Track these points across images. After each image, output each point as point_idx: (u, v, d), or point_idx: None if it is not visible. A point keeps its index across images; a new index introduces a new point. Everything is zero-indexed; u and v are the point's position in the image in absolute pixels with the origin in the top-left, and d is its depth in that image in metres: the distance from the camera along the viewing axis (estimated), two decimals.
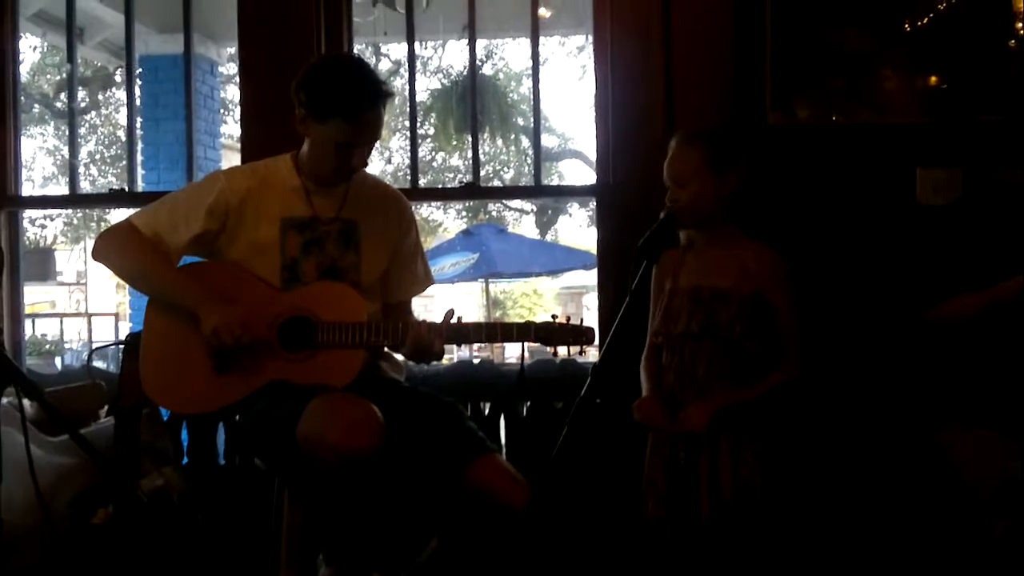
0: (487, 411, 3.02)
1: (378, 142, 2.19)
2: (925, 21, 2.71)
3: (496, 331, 2.12)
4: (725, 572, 2.12)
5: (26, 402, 1.77)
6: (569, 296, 17.07)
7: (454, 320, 2.09)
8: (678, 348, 2.19)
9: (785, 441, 2.18)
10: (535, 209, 15.89)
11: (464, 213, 15.58)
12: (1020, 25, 2.68)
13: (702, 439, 2.10)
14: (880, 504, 2.60)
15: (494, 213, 15.47)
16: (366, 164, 2.18)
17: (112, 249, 2.20)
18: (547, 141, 15.37)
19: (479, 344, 2.68)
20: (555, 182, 15.01)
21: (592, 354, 2.51)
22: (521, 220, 16.54)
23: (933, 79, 2.71)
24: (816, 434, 2.62)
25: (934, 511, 2.37)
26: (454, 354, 7.24)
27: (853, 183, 2.68)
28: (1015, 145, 2.06)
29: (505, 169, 15.84)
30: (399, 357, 2.37)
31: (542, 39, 10.54)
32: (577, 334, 2.09)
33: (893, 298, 2.19)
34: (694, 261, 2.21)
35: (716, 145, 2.19)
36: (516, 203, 15.93)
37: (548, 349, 2.16)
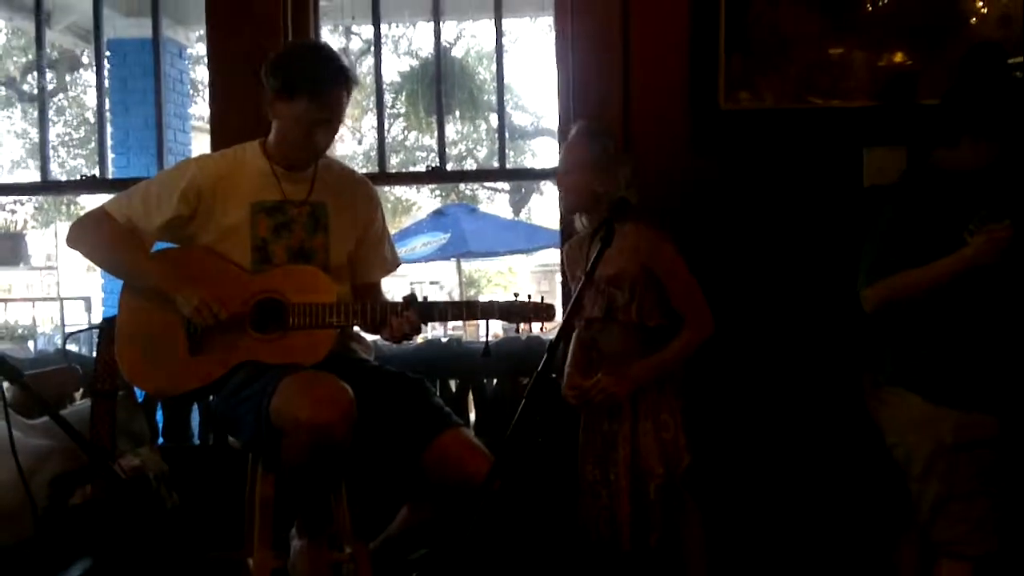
0: (455, 388, 3.12)
1: (347, 124, 2.27)
2: (880, 4, 2.80)
3: (461, 309, 2.21)
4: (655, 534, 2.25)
5: (5, 385, 1.83)
6: (543, 274, 17.14)
7: (420, 299, 2.17)
8: (592, 332, 2.35)
9: (707, 404, 2.34)
10: (508, 188, 15.94)
11: (437, 192, 15.61)
12: (980, 4, 2.77)
13: (622, 408, 2.26)
14: (814, 472, 2.73)
15: (467, 192, 15.50)
16: (329, 146, 2.27)
17: (87, 237, 2.26)
18: (520, 119, 15.40)
19: (451, 323, 2.76)
20: (527, 160, 15.09)
21: None
22: (494, 198, 16.59)
23: (882, 62, 2.81)
24: (761, 400, 2.75)
25: (871, 479, 2.49)
26: (427, 333, 7.30)
27: (803, 165, 2.79)
28: (950, 128, 2.15)
29: (478, 148, 15.85)
30: (370, 337, 2.45)
31: (514, 19, 10.46)
32: (538, 311, 2.19)
33: (839, 276, 2.30)
34: (589, 253, 2.29)
35: (604, 144, 2.33)
36: (489, 182, 15.96)
37: (515, 327, 2.25)
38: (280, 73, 2.16)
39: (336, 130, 2.25)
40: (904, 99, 2.75)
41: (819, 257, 2.72)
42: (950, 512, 2.05)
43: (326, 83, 2.14)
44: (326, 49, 2.27)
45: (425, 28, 13.63)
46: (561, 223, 3.02)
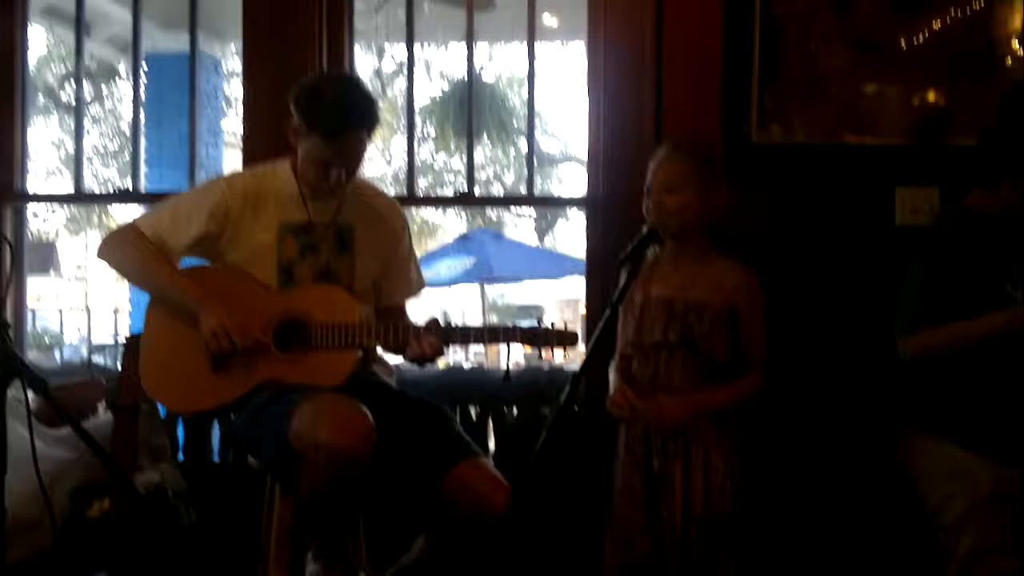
0: (475, 415, 3.09)
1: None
2: (915, 43, 2.77)
3: (483, 333, 2.19)
4: None
5: (30, 394, 1.83)
6: (566, 303, 17.12)
7: (441, 323, 2.16)
8: (651, 358, 2.24)
9: (753, 450, 2.26)
10: (534, 214, 15.97)
11: (462, 215, 15.65)
12: (1015, 45, 2.74)
13: (676, 445, 2.18)
14: (845, 520, 2.67)
15: (492, 217, 15.54)
16: (343, 185, 2.22)
17: (116, 251, 2.28)
18: (548, 145, 15.44)
19: (472, 349, 2.75)
20: (554, 185, 15.12)
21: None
22: (519, 223, 16.61)
23: (916, 100, 2.79)
24: (785, 445, 2.69)
25: (897, 529, 2.43)
26: (450, 359, 7.28)
27: (834, 202, 2.76)
28: (991, 168, 2.11)
29: (505, 172, 15.90)
30: (392, 360, 2.44)
31: (546, 44, 10.53)
32: (561, 337, 2.17)
33: (869, 318, 2.26)
34: (666, 273, 2.24)
35: (707, 159, 2.27)
36: (515, 207, 16.02)
37: (538, 354, 2.23)
38: (298, 107, 2.15)
39: (352, 170, 2.22)
40: (937, 138, 2.72)
41: (849, 297, 2.68)
42: (984, 565, 2.00)
43: (340, 126, 2.12)
44: (349, 88, 2.21)
45: (457, 49, 13.75)
46: (588, 252, 3.01)
